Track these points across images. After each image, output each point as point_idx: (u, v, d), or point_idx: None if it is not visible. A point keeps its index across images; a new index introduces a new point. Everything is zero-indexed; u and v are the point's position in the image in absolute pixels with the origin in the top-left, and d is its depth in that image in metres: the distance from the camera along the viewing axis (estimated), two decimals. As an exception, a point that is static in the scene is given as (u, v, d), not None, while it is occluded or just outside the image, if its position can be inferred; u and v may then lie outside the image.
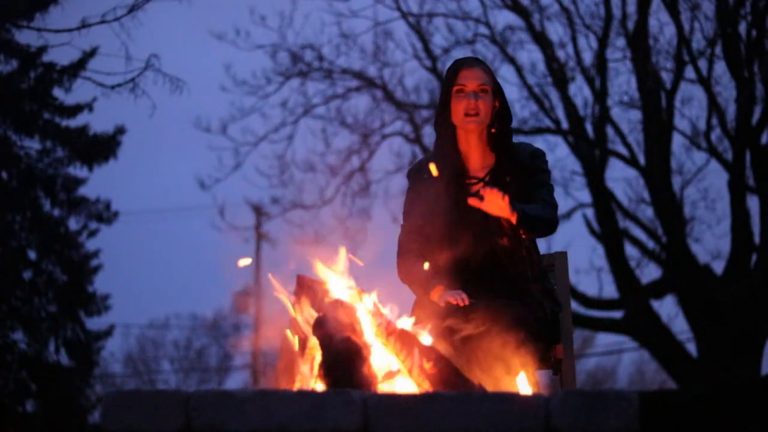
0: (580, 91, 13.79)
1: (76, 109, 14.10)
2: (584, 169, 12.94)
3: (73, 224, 14.63)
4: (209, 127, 13.93)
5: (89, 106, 14.11)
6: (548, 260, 3.95)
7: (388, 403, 2.56)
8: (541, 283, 3.68)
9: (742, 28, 11.25)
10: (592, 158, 12.88)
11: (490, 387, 3.22)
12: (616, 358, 29.79)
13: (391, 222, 12.73)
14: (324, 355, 3.07)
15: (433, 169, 3.70)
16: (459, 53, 12.94)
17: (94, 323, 14.77)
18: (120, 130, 14.48)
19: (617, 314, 13.04)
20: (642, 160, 12.75)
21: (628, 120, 13.27)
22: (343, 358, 3.01)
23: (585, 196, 14.44)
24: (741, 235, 11.67)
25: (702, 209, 13.01)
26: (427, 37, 13.53)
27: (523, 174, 3.69)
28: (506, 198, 3.46)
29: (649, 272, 13.15)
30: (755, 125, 11.48)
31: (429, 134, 13.28)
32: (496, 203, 3.48)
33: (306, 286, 3.29)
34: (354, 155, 13.57)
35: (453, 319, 3.40)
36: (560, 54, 13.18)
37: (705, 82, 11.85)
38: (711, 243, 20.63)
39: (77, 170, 14.44)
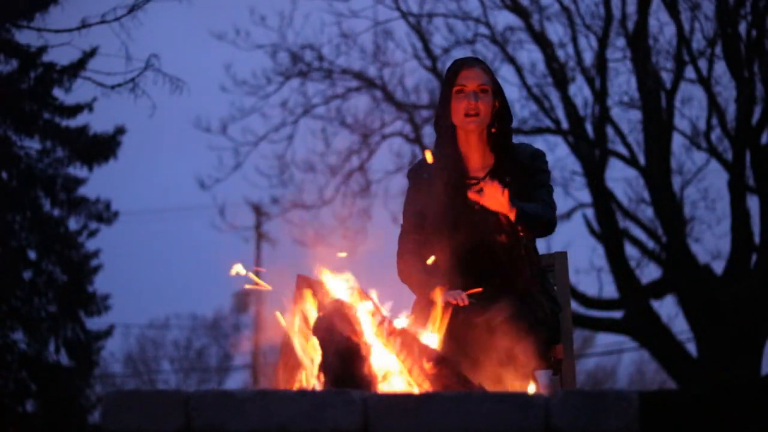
0: (580, 91, 13.79)
1: (76, 109, 14.09)
2: (584, 169, 12.94)
3: (73, 224, 14.64)
4: (209, 127, 13.95)
5: (89, 106, 14.10)
6: (548, 260, 3.95)
7: (388, 403, 2.56)
8: (541, 283, 3.68)
9: (742, 28, 11.25)
10: (592, 158, 12.88)
11: (490, 386, 3.22)
12: (616, 358, 29.82)
13: (391, 222, 12.74)
14: (324, 355, 3.07)
15: (428, 155, 3.70)
16: (459, 53, 12.94)
17: (94, 323, 14.78)
18: (120, 130, 14.48)
19: (617, 314, 13.04)
20: (642, 160, 12.75)
21: (628, 120, 13.29)
22: (343, 358, 3.01)
23: (585, 196, 14.44)
24: (741, 235, 11.66)
25: (702, 209, 13.03)
26: (427, 37, 13.53)
27: (522, 174, 3.69)
28: (506, 192, 3.46)
29: (649, 272, 13.16)
30: (755, 125, 11.48)
31: (429, 134, 13.28)
32: (495, 198, 3.48)
33: (306, 286, 3.29)
34: (354, 155, 13.58)
35: (453, 319, 3.40)
36: (560, 54, 13.19)
37: (705, 82, 11.84)
38: (711, 243, 20.65)
39: (77, 170, 14.45)
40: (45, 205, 14.31)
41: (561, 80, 13.00)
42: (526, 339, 3.36)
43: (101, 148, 14.34)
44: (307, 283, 3.29)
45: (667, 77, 12.45)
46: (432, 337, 3.32)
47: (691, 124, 12.72)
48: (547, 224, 3.64)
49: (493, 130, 3.73)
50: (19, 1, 10.16)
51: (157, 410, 2.59)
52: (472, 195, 3.54)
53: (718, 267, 12.19)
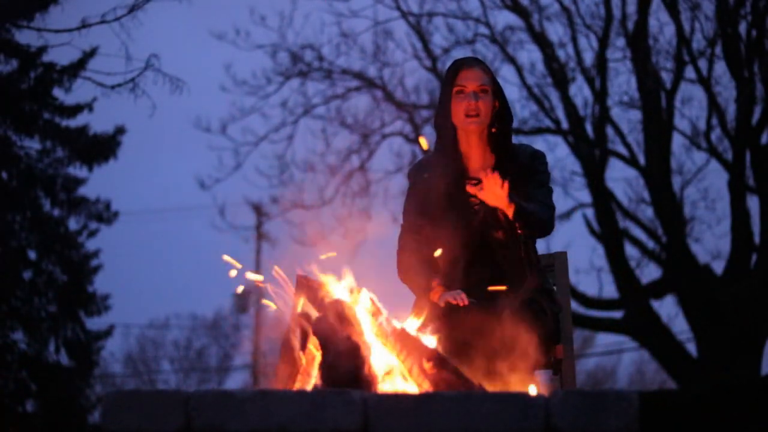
0: (580, 91, 13.83)
1: (76, 109, 14.10)
2: (584, 169, 12.94)
3: (73, 224, 14.64)
4: (209, 127, 13.95)
5: (89, 106, 14.10)
6: (548, 260, 3.94)
7: (388, 403, 2.56)
8: (540, 283, 3.68)
9: (742, 28, 11.25)
10: (592, 158, 12.88)
11: (491, 383, 3.22)
12: (616, 358, 29.85)
13: (391, 222, 12.71)
14: (324, 355, 3.07)
15: (422, 142, 3.71)
16: (459, 53, 12.94)
17: (94, 323, 14.78)
18: (120, 130, 14.48)
19: (617, 314, 13.04)
20: (642, 160, 12.74)
21: (628, 120, 13.30)
22: (343, 358, 3.01)
23: (585, 196, 14.46)
24: (741, 235, 11.66)
25: (702, 209, 13.03)
26: (427, 37, 13.53)
27: (522, 174, 3.69)
28: (506, 185, 3.45)
29: (649, 272, 13.17)
30: (755, 125, 11.47)
31: (429, 134, 13.29)
32: (494, 191, 3.48)
33: (306, 286, 3.29)
34: (354, 155, 13.58)
35: (453, 319, 3.40)
36: (560, 54, 13.19)
37: (705, 82, 11.84)
38: (711, 243, 20.68)
39: (77, 170, 14.45)
40: (45, 205, 14.31)
41: (561, 80, 13.00)
42: (531, 331, 3.35)
43: (101, 148, 14.34)
44: (307, 283, 3.29)
45: (667, 77, 12.46)
46: (432, 337, 3.31)
47: (691, 124, 12.74)
48: (544, 224, 3.63)
49: (493, 130, 3.73)
50: (19, 1, 10.15)
51: (157, 410, 2.59)
52: (471, 189, 3.54)
53: (718, 267, 12.20)
